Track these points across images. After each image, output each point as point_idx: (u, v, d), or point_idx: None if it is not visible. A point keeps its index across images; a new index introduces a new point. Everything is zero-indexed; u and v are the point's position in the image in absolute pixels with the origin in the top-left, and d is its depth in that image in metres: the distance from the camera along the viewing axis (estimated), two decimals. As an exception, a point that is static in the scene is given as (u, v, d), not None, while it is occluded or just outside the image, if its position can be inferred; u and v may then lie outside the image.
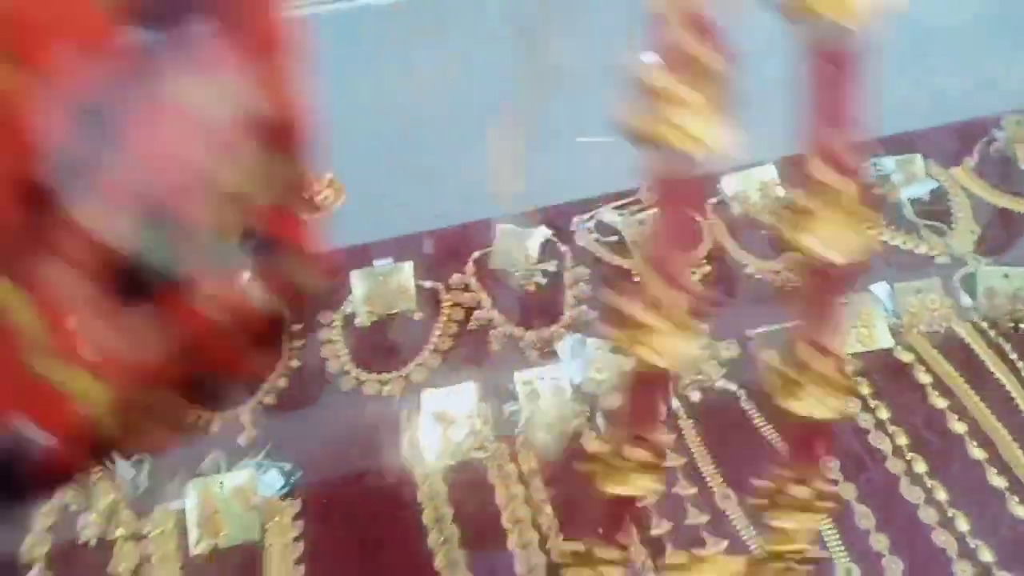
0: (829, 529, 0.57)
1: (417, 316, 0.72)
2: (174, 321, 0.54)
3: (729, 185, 0.80)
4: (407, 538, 0.58)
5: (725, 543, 0.57)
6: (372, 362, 0.69)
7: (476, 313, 0.72)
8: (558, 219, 0.79)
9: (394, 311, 0.72)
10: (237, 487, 0.59)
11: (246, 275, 0.63)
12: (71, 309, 0.50)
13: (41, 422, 0.52)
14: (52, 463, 0.55)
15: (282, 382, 0.68)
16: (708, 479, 0.61)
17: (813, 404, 0.41)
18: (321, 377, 0.68)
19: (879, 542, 0.57)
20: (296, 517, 0.59)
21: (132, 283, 0.51)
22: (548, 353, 0.69)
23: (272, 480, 0.60)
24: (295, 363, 0.69)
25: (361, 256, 0.74)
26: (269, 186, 0.55)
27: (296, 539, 0.58)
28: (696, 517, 0.59)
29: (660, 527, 0.57)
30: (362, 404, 0.66)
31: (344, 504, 0.60)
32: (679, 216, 0.40)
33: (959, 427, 0.63)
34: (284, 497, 0.60)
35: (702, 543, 0.57)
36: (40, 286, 0.48)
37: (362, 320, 0.71)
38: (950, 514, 0.59)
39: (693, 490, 0.60)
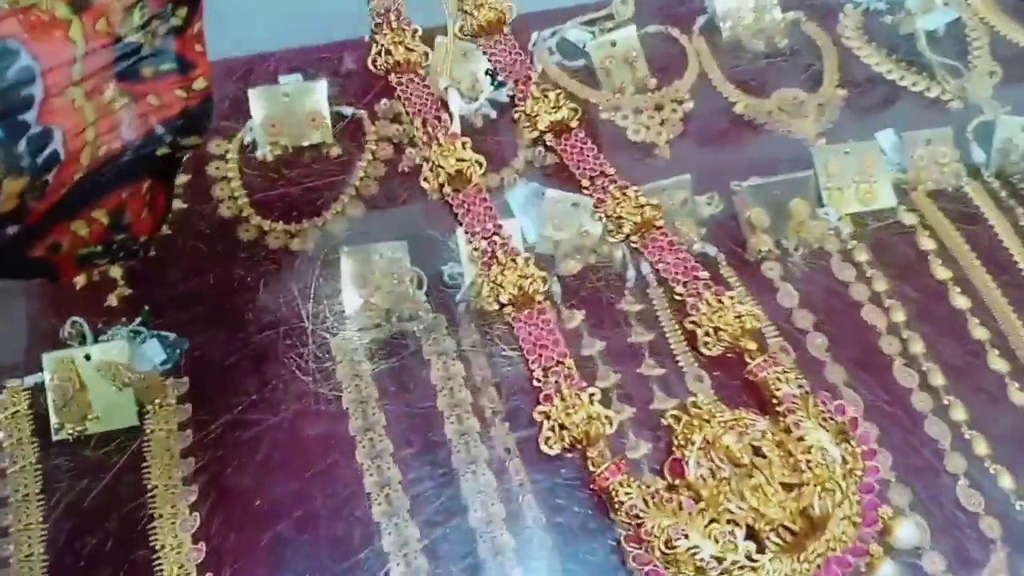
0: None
1: (335, 151, 0.58)
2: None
3: (719, 1, 0.66)
4: (320, 426, 0.48)
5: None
6: (277, 207, 0.56)
7: (408, 151, 0.58)
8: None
9: (305, 143, 0.58)
10: (107, 360, 0.48)
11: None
12: None
13: None
14: None
15: (163, 228, 0.54)
16: (678, 358, 0.52)
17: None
18: (213, 223, 0.55)
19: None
20: (182, 399, 0.48)
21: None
22: (497, 204, 0.56)
23: (152, 352, 0.49)
24: (177, 204, 0.55)
25: (261, 69, 0.59)
26: None
27: (182, 426, 0.47)
28: (662, 402, 0.50)
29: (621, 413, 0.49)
30: (264, 259, 0.54)
31: (240, 384, 0.49)
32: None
33: (961, 302, 0.55)
34: (167, 374, 0.49)
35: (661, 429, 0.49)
36: None
37: (264, 153, 0.57)
38: (946, 401, 0.52)
39: (660, 370, 0.51)
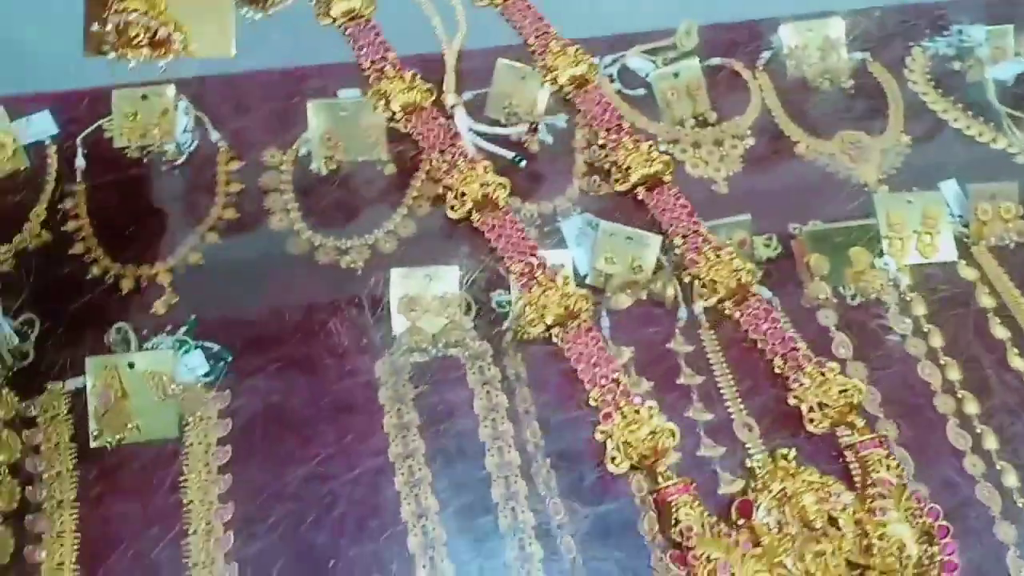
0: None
1: (389, 169, 0.57)
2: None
3: (787, 36, 0.65)
4: (361, 450, 0.47)
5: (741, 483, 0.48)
6: (330, 221, 0.55)
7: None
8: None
9: (360, 158, 0.57)
10: (151, 370, 0.47)
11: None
12: None
13: None
14: None
15: (212, 236, 0.54)
16: (727, 402, 0.51)
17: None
18: (263, 234, 0.54)
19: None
20: (223, 413, 0.48)
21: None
22: (550, 233, 0.56)
23: (195, 363, 0.48)
24: (230, 213, 0.55)
25: (320, 81, 0.58)
26: None
27: (221, 441, 0.47)
28: (710, 449, 0.49)
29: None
30: (315, 274, 0.53)
31: (284, 402, 0.48)
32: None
33: (1019, 364, 0.54)
34: (209, 386, 0.48)
35: (714, 475, 0.48)
36: None
37: (319, 166, 0.57)
38: (999, 466, 0.50)
39: (709, 416, 0.50)
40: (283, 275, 0.53)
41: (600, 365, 0.48)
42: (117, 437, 0.46)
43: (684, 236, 0.52)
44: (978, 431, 0.51)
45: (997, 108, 0.64)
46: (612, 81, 0.63)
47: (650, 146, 0.51)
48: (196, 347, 0.49)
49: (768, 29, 0.65)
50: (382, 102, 0.54)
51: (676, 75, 0.62)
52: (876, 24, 0.68)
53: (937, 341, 0.54)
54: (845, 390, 0.48)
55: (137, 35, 0.41)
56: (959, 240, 0.58)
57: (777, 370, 0.48)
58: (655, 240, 0.55)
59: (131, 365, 0.47)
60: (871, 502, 0.45)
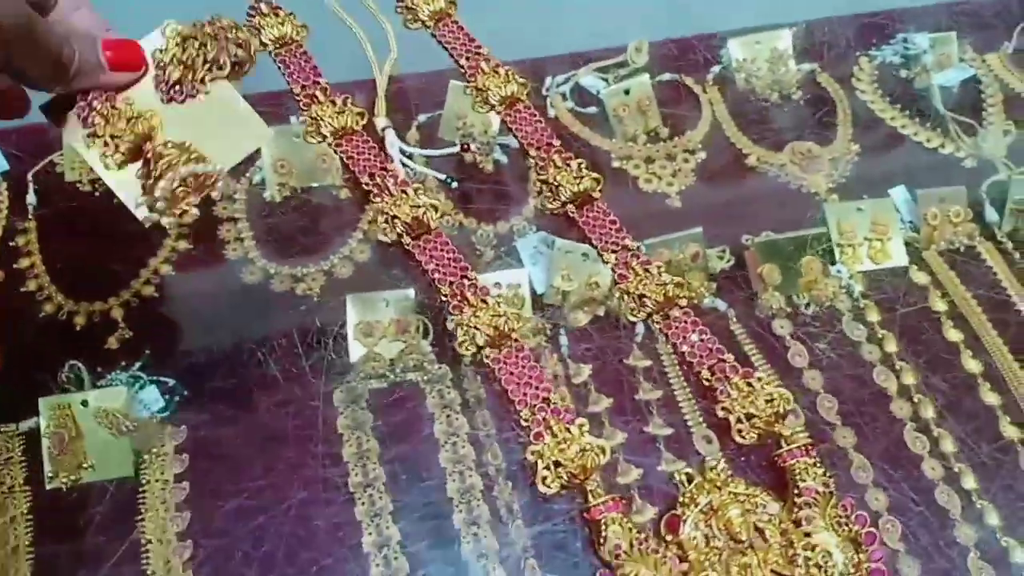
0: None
1: (344, 193, 0.57)
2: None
3: (735, 50, 0.66)
4: (319, 481, 0.47)
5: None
6: (284, 250, 0.55)
7: (446, 176, 0.57)
8: (526, 79, 0.63)
9: (313, 184, 0.57)
10: (104, 407, 0.47)
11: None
12: None
13: None
14: None
15: (165, 268, 0.53)
16: (687, 416, 0.51)
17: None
18: (218, 265, 0.54)
19: (877, 500, 0.49)
20: (180, 449, 0.47)
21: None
22: (506, 253, 0.56)
23: (150, 398, 0.48)
24: (183, 244, 0.54)
25: (273, 108, 0.58)
26: None
27: (179, 477, 0.46)
28: (670, 463, 0.49)
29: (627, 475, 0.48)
30: (270, 303, 0.53)
31: (241, 434, 0.48)
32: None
33: (973, 366, 0.55)
34: (165, 421, 0.48)
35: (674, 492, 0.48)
36: None
37: (272, 193, 0.56)
38: (956, 469, 0.51)
39: (668, 430, 0.50)
40: (238, 305, 0.53)
41: (531, 384, 0.48)
42: (72, 478, 0.46)
43: (614, 252, 0.52)
44: (935, 434, 0.52)
45: (943, 114, 0.66)
46: (565, 99, 0.64)
47: (580, 164, 0.52)
48: (151, 382, 0.48)
49: (717, 44, 0.66)
50: (313, 127, 0.54)
51: (627, 92, 0.63)
52: (823, 35, 0.69)
53: (892, 346, 0.55)
54: (771, 400, 0.48)
55: (184, 190, 0.40)
56: (910, 245, 0.59)
57: (705, 382, 0.49)
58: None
59: (84, 403, 0.46)
60: (798, 512, 0.45)
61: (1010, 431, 0.52)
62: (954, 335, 0.56)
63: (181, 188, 0.40)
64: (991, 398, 0.53)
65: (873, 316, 0.56)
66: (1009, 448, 0.51)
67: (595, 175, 0.55)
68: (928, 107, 0.66)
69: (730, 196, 0.61)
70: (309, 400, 0.49)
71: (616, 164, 0.61)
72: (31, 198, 0.56)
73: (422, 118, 0.61)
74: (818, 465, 0.46)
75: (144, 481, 0.46)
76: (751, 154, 0.62)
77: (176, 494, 0.46)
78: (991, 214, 0.60)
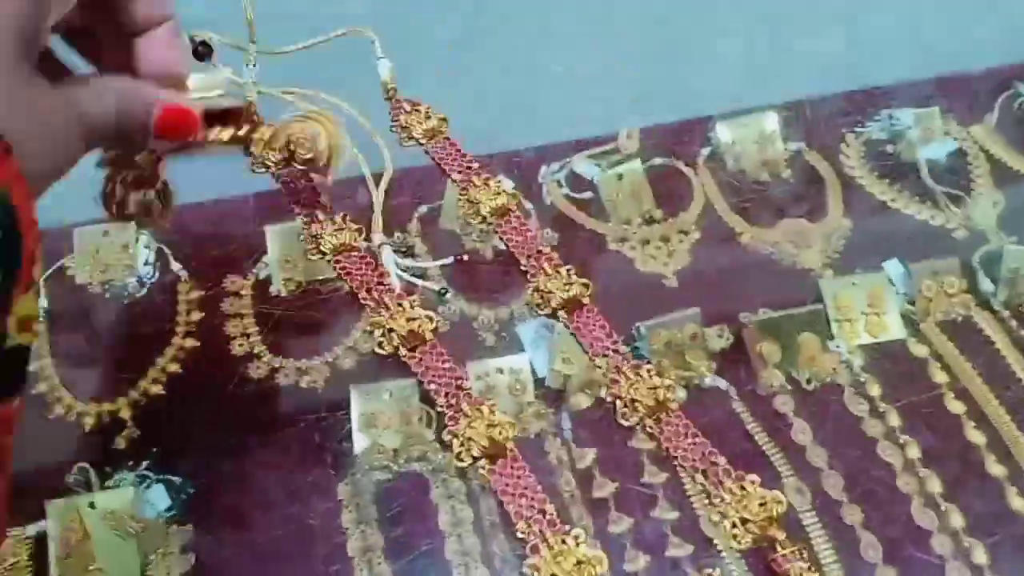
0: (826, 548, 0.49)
1: (347, 286, 0.58)
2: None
3: (724, 133, 0.68)
4: (327, 571, 0.47)
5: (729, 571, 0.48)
6: (289, 344, 0.56)
7: (441, 287, 0.59)
8: (522, 168, 0.66)
9: (319, 278, 0.59)
10: (112, 508, 0.47)
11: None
12: None
13: None
14: None
15: (173, 367, 0.55)
16: (693, 500, 0.51)
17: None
18: (224, 361, 0.55)
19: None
20: (185, 548, 0.47)
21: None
22: (507, 338, 0.57)
23: (157, 498, 0.48)
24: (190, 342, 0.56)
25: (276, 204, 0.60)
26: None
27: (185, 576, 0.46)
28: (677, 548, 0.49)
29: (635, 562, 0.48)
30: (276, 398, 0.54)
31: (249, 531, 0.48)
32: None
33: (977, 437, 0.55)
34: (172, 520, 0.48)
35: (684, 578, 0.48)
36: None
37: (278, 289, 0.58)
38: (966, 544, 0.50)
39: (675, 514, 0.50)
40: (244, 401, 0.54)
41: (526, 496, 0.48)
42: (79, 581, 0.46)
43: (604, 356, 0.53)
44: (943, 509, 0.52)
45: (932, 187, 0.67)
46: (560, 186, 0.66)
47: (568, 271, 0.53)
48: (158, 481, 0.49)
49: (706, 127, 0.69)
50: (313, 245, 0.56)
51: (620, 177, 0.65)
52: (809, 115, 0.71)
53: (894, 420, 0.55)
54: (764, 503, 0.48)
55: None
56: (907, 318, 0.59)
57: (699, 486, 0.49)
58: (611, 339, 0.56)
59: (92, 505, 0.47)
60: None
61: (1017, 503, 0.51)
62: (956, 407, 0.56)
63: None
64: (996, 470, 0.53)
65: (874, 390, 0.56)
66: (1018, 519, 0.51)
67: (584, 281, 0.56)
68: (916, 181, 0.68)
69: (726, 275, 0.62)
70: (315, 495, 0.49)
71: (612, 247, 0.63)
72: (43, 301, 0.58)
73: (423, 209, 0.63)
74: (812, 569, 0.46)
75: (150, 583, 0.46)
76: (744, 232, 0.64)
77: (183, 595, 0.46)
78: (985, 284, 0.61)
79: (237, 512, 0.49)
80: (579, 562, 0.45)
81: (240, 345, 0.56)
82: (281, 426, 0.52)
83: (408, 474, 0.51)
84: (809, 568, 0.46)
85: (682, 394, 0.55)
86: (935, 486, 0.52)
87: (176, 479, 0.49)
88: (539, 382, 0.55)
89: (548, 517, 0.47)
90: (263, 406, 0.53)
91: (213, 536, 0.48)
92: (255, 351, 0.55)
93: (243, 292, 0.58)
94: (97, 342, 0.57)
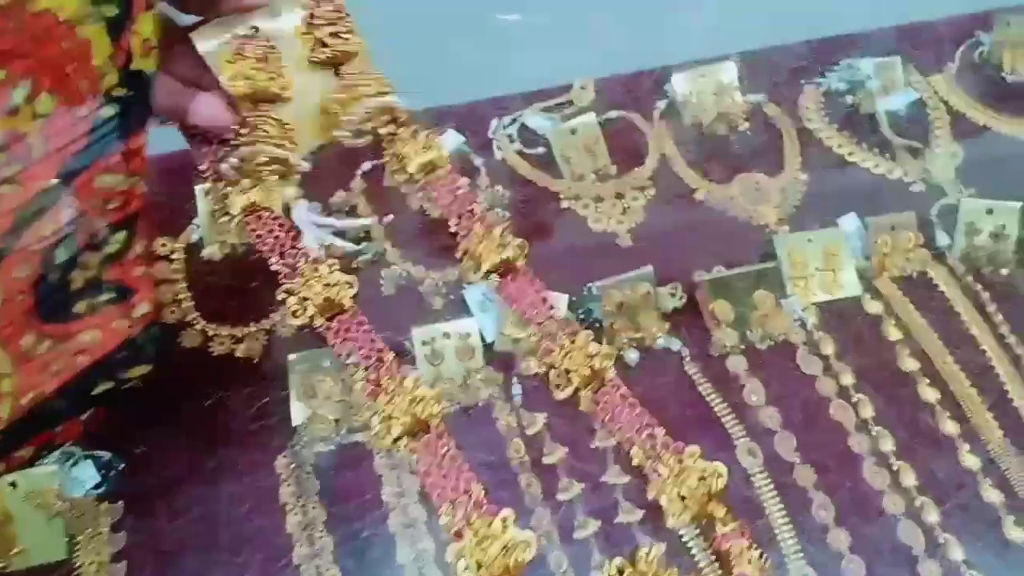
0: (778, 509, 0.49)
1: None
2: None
3: (680, 84, 0.65)
4: (265, 546, 0.45)
5: (663, 546, 0.47)
6: (224, 311, 0.53)
7: (364, 245, 0.56)
8: (472, 121, 0.63)
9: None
10: (35, 488, 0.45)
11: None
12: None
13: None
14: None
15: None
16: (635, 458, 0.50)
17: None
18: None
19: (839, 539, 0.48)
20: (116, 527, 0.45)
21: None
22: (455, 301, 0.55)
23: (84, 475, 0.46)
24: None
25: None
26: None
27: (115, 557, 0.44)
28: (628, 513, 0.48)
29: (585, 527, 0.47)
30: (209, 367, 0.51)
31: (179, 508, 0.46)
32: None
33: (930, 395, 0.54)
34: (100, 499, 0.46)
35: (634, 544, 0.47)
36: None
37: (212, 252, 0.55)
38: (918, 503, 0.50)
39: (625, 479, 0.49)
40: (178, 370, 0.51)
41: (451, 476, 0.45)
42: (1, 565, 0.44)
43: (539, 323, 0.50)
44: (895, 468, 0.51)
45: (890, 138, 0.66)
46: (512, 141, 0.63)
47: (502, 232, 0.49)
48: (85, 457, 0.46)
49: (663, 78, 0.66)
50: (220, 207, 0.51)
51: (574, 132, 0.62)
52: (768, 65, 0.69)
53: (848, 379, 0.54)
54: (703, 477, 0.46)
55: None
56: (862, 274, 0.59)
57: (636, 462, 0.47)
58: (562, 299, 0.54)
59: (13, 485, 0.44)
60: None
61: (969, 460, 0.51)
62: (910, 364, 0.55)
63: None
64: (949, 427, 0.53)
65: (828, 349, 0.55)
66: (970, 477, 0.51)
67: (519, 242, 0.53)
68: (875, 133, 0.66)
69: (680, 232, 0.60)
70: (253, 468, 0.48)
71: (565, 204, 0.60)
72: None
73: (367, 166, 0.60)
74: (753, 547, 0.45)
75: (78, 564, 0.44)
76: (700, 188, 0.62)
77: (113, 574, 0.44)
78: (942, 238, 0.60)
79: (170, 488, 0.47)
80: (506, 547, 0.43)
81: (172, 312, 0.53)
82: (216, 397, 0.50)
83: (350, 445, 0.49)
84: (750, 546, 0.45)
85: (634, 355, 0.54)
86: (887, 445, 0.52)
87: (104, 454, 0.47)
88: (488, 347, 0.53)
89: (474, 499, 0.44)
90: (197, 376, 0.51)
91: (144, 513, 0.46)
92: (188, 318, 0.53)
93: (174, 256, 0.55)
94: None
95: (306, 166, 0.48)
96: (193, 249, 0.56)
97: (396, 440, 0.44)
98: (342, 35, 0.49)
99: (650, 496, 0.47)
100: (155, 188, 0.57)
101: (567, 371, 0.48)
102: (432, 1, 0.72)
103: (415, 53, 0.63)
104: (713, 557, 0.46)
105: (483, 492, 0.43)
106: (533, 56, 0.67)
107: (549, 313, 0.49)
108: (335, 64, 0.49)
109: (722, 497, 0.45)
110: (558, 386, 0.48)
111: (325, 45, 0.49)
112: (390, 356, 0.46)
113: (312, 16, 0.48)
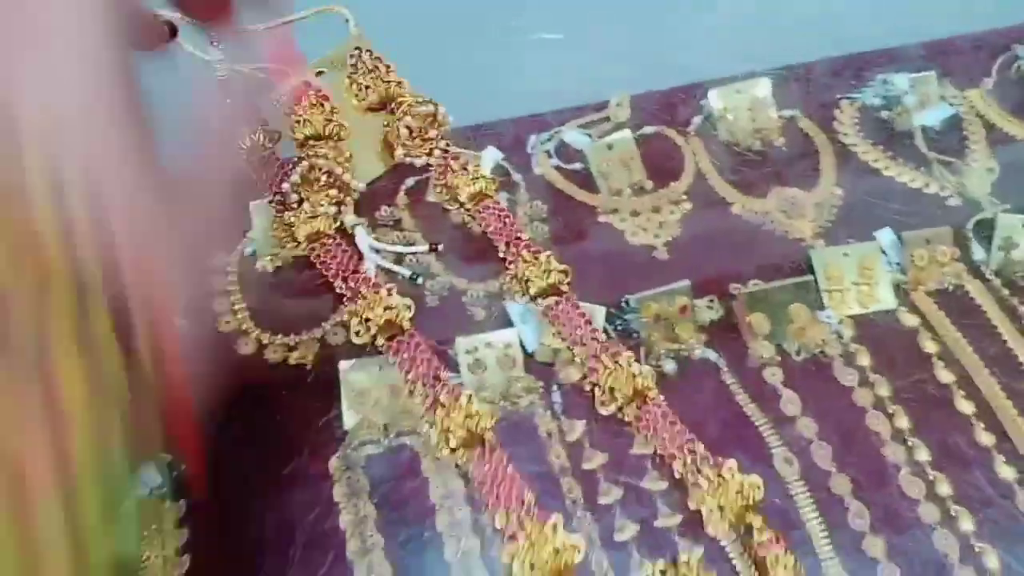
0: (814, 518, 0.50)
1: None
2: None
3: (716, 100, 0.67)
4: (323, 546, 0.47)
5: (700, 551, 0.48)
6: (277, 320, 0.56)
7: (408, 259, 0.59)
8: (511, 138, 0.65)
9: (304, 254, 0.58)
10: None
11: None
12: None
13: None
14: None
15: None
16: (678, 471, 0.51)
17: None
18: (212, 338, 0.55)
19: (874, 546, 0.49)
20: (180, 523, 0.48)
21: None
22: (496, 312, 0.57)
23: (149, 476, 0.48)
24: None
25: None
26: None
27: (181, 551, 0.47)
28: (667, 519, 0.49)
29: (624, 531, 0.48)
30: (265, 374, 0.54)
31: (241, 507, 0.48)
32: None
33: (966, 407, 0.55)
34: (164, 498, 0.48)
35: (674, 548, 0.48)
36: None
37: (264, 264, 0.58)
38: (953, 512, 0.51)
39: (664, 484, 0.51)
40: (233, 377, 0.54)
41: (504, 484, 0.48)
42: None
43: (584, 345, 0.53)
44: (931, 478, 0.52)
45: (926, 153, 0.66)
46: (550, 157, 0.65)
47: (548, 257, 0.53)
48: (149, 459, 0.49)
49: (698, 94, 0.68)
50: (287, 234, 0.55)
51: (610, 147, 0.64)
52: (803, 81, 0.70)
53: (884, 390, 0.55)
54: (741, 490, 0.48)
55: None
56: (898, 287, 0.59)
57: (677, 475, 0.49)
58: (599, 311, 0.56)
59: (84, 482, 0.47)
60: None
61: (1005, 471, 0.52)
62: (946, 376, 0.56)
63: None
64: (985, 438, 0.53)
65: (864, 361, 0.56)
66: (1006, 488, 0.51)
67: (563, 268, 0.56)
68: (911, 147, 0.67)
69: (716, 245, 0.62)
70: (306, 470, 0.50)
71: (602, 218, 0.62)
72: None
73: (410, 182, 0.62)
74: (787, 554, 0.46)
75: (144, 558, 0.47)
76: (735, 202, 0.63)
77: (179, 567, 0.46)
78: (978, 252, 0.61)
79: (228, 489, 0.49)
80: (556, 550, 0.46)
81: (227, 322, 0.56)
82: (271, 402, 0.52)
83: (399, 448, 0.51)
84: (785, 552, 0.46)
85: (672, 367, 0.55)
86: (923, 455, 0.53)
87: (167, 456, 0.49)
88: (528, 356, 0.55)
89: (526, 506, 0.47)
90: (253, 382, 0.53)
91: (206, 512, 0.48)
92: (243, 327, 0.55)
93: (228, 269, 0.58)
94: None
95: (362, 186, 0.51)
96: (245, 262, 0.58)
97: (453, 451, 0.47)
98: (383, 78, 0.53)
99: (691, 506, 0.49)
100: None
101: (611, 389, 0.51)
102: (471, 20, 0.74)
103: (455, 72, 0.65)
104: (751, 563, 0.47)
105: (534, 499, 0.45)
106: (571, 73, 0.69)
107: (593, 335, 0.51)
108: (383, 103, 0.53)
109: (759, 507, 0.46)
110: (603, 403, 0.51)
111: (368, 88, 0.53)
112: (446, 375, 0.49)
113: (352, 67, 0.52)
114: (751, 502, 0.48)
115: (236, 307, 0.56)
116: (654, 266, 0.60)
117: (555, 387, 0.54)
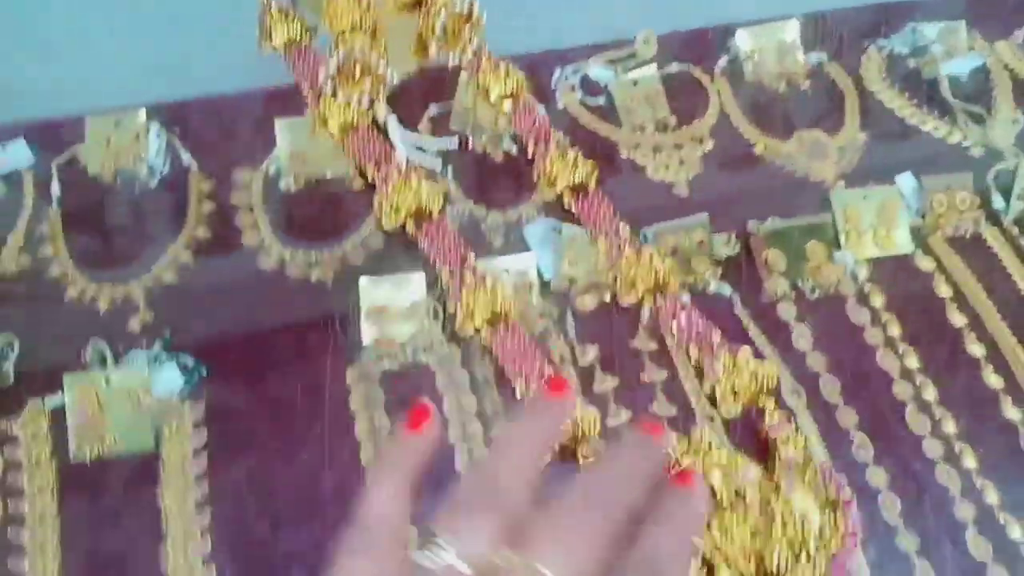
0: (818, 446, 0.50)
1: (357, 183, 0.59)
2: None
3: (744, 41, 0.66)
4: (333, 459, 0.48)
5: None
6: (299, 236, 0.56)
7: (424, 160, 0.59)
8: (535, 71, 0.65)
9: (328, 176, 0.59)
10: (126, 385, 0.49)
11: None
12: None
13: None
14: None
15: (185, 255, 0.55)
16: (691, 399, 0.52)
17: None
18: (235, 252, 0.56)
19: (876, 476, 0.50)
20: (197, 424, 0.49)
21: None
22: (514, 239, 0.57)
23: (170, 378, 0.50)
24: (202, 232, 0.56)
25: (286, 100, 0.60)
26: None
27: (197, 451, 0.48)
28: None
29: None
30: (285, 287, 0.55)
31: (257, 411, 0.50)
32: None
33: (976, 350, 0.55)
34: (184, 399, 0.50)
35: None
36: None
37: (287, 184, 0.58)
38: (957, 449, 0.51)
39: (672, 409, 0.51)
40: (255, 290, 0.55)
41: (527, 359, 0.49)
42: (95, 451, 0.48)
43: (607, 236, 0.53)
44: (937, 415, 0.53)
45: (952, 103, 0.66)
46: (574, 90, 0.65)
47: (576, 154, 0.53)
48: (170, 361, 0.50)
49: (725, 35, 0.67)
50: (321, 122, 0.55)
51: (635, 83, 0.64)
52: (832, 26, 0.70)
53: (895, 330, 0.55)
54: (755, 374, 0.49)
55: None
56: (916, 232, 0.59)
57: (693, 360, 0.50)
58: (618, 242, 0.57)
59: (107, 381, 0.49)
60: (777, 477, 0.46)
61: (1011, 412, 0.52)
62: (958, 319, 0.56)
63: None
64: (993, 380, 0.54)
65: (877, 301, 0.56)
66: (1010, 429, 0.52)
67: (590, 163, 0.56)
68: (937, 96, 0.66)
69: (737, 184, 0.62)
70: (324, 380, 0.51)
71: (624, 154, 0.62)
72: (55, 188, 0.58)
73: (433, 111, 0.62)
74: (798, 436, 0.48)
75: (164, 455, 0.48)
76: (758, 143, 0.63)
77: (195, 466, 0.47)
78: (998, 201, 0.61)
79: (247, 395, 0.50)
80: (574, 421, 0.47)
81: (250, 237, 0.56)
82: (291, 316, 0.53)
83: (414, 364, 0.52)
84: (796, 431, 0.48)
85: (686, 299, 0.56)
86: (930, 394, 0.53)
87: (189, 360, 0.50)
88: (544, 285, 0.55)
89: (545, 375, 0.49)
90: (273, 296, 0.54)
91: (225, 417, 0.49)
92: (265, 243, 0.56)
93: (252, 185, 0.58)
94: (108, 229, 0.57)
95: (395, 78, 0.52)
96: (270, 180, 0.59)
97: (477, 331, 0.49)
98: None
99: (706, 392, 0.50)
100: (235, 121, 0.61)
101: (633, 280, 0.52)
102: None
103: (482, 4, 0.65)
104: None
105: (552, 370, 0.47)
106: (597, 9, 0.69)
107: (617, 229, 0.52)
108: (418, 1, 0.53)
109: (772, 392, 0.48)
110: (625, 293, 0.52)
111: None
112: (472, 256, 0.50)
113: None
114: (766, 388, 0.49)
115: (258, 224, 0.57)
116: (674, 203, 0.60)
117: (569, 313, 0.54)
